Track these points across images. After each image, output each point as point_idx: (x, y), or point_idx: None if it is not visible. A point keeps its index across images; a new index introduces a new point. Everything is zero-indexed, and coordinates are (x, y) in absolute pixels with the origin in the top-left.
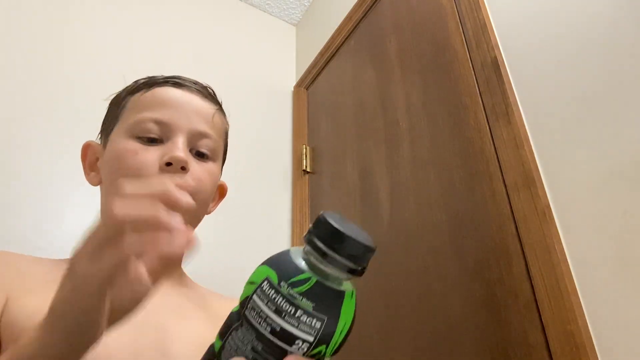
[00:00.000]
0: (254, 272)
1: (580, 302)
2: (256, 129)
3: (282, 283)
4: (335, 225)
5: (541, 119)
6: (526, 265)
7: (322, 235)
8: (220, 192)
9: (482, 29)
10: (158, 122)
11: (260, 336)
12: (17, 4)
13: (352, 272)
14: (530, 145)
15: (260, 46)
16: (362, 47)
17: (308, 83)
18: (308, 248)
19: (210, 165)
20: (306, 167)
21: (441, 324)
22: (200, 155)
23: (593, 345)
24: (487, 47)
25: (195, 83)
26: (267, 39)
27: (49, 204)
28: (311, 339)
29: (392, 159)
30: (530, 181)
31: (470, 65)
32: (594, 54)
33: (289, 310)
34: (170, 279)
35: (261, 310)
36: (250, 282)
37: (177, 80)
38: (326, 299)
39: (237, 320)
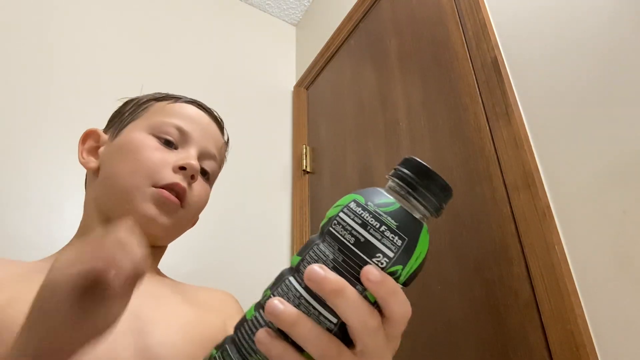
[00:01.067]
0: (338, 201)
1: (580, 302)
2: (256, 129)
3: (369, 203)
4: (425, 164)
5: (541, 119)
6: (526, 265)
7: (412, 171)
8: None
9: (482, 29)
10: (180, 129)
11: (343, 247)
12: (17, 3)
13: (435, 209)
14: (530, 145)
15: (260, 46)
16: (362, 47)
17: (308, 83)
18: (394, 182)
19: (207, 187)
20: (306, 167)
21: (441, 323)
22: (203, 174)
23: (593, 345)
24: (487, 47)
25: (214, 111)
26: (267, 39)
27: (49, 204)
28: (391, 254)
29: (392, 159)
30: (530, 181)
31: (470, 65)
32: (594, 54)
33: (374, 224)
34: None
35: (347, 224)
36: (336, 206)
37: (200, 103)
38: (408, 223)
39: (319, 238)
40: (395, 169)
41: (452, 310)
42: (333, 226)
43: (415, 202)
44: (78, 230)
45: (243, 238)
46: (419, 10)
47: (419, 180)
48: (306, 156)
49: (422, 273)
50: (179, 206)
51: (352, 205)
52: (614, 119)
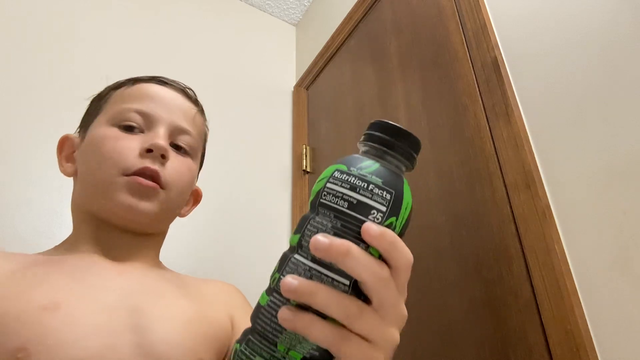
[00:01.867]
0: (321, 174)
1: (580, 302)
2: (256, 129)
3: (352, 168)
4: (392, 123)
5: (541, 119)
6: (526, 265)
7: (382, 132)
8: (195, 197)
9: (482, 29)
10: (141, 113)
11: (338, 214)
12: (18, 4)
13: (409, 161)
14: (530, 145)
15: (260, 46)
16: (362, 47)
17: (308, 83)
18: (367, 146)
19: (188, 161)
20: (306, 167)
21: (441, 323)
22: (178, 149)
23: (593, 345)
24: (487, 47)
25: (179, 83)
26: (267, 39)
27: (49, 204)
28: (384, 208)
29: None
30: (530, 181)
31: (470, 65)
32: (594, 54)
33: (362, 185)
34: (145, 262)
35: (337, 191)
36: (320, 180)
37: (161, 78)
38: (391, 179)
39: (311, 212)
40: (366, 134)
41: (452, 310)
42: (324, 197)
43: (391, 159)
44: (69, 235)
45: (243, 238)
46: (418, 10)
47: (391, 138)
48: (306, 156)
49: (422, 272)
50: (156, 188)
51: (337, 174)
52: (614, 119)
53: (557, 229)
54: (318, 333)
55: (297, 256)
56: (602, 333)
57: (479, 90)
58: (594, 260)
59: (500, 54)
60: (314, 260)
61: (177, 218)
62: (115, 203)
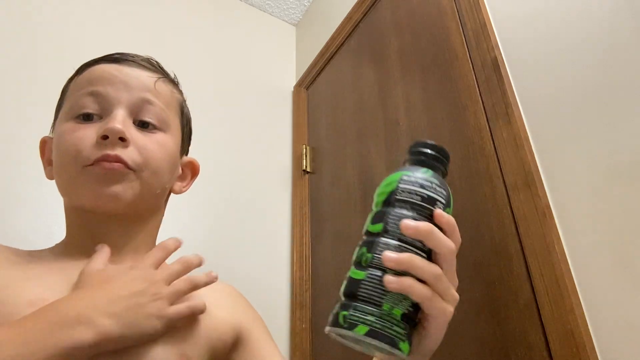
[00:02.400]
0: (386, 181)
1: (580, 302)
2: (256, 129)
3: (416, 173)
4: (433, 142)
5: (541, 119)
6: (526, 265)
7: (430, 148)
8: (192, 170)
9: (482, 29)
10: (93, 94)
11: (414, 205)
12: (18, 5)
13: (446, 169)
14: (530, 145)
15: (260, 46)
16: (362, 47)
17: (308, 83)
18: (417, 157)
19: (159, 136)
20: (306, 167)
21: None
22: (145, 126)
23: (593, 345)
24: (487, 47)
25: (135, 56)
26: (267, 39)
27: (48, 204)
28: (444, 201)
29: (392, 159)
30: (530, 181)
31: (470, 65)
32: (594, 54)
33: (428, 185)
34: (138, 253)
35: (410, 189)
36: (388, 184)
37: (114, 55)
38: (442, 180)
39: (387, 207)
40: (416, 151)
41: None
42: (399, 194)
43: (439, 166)
44: (66, 231)
45: (243, 238)
46: (419, 10)
47: (436, 153)
48: (306, 156)
49: None
50: (123, 167)
51: (405, 177)
52: (614, 119)
53: (557, 229)
54: (418, 291)
55: (384, 239)
56: (602, 333)
57: (479, 90)
58: (594, 260)
59: (500, 54)
60: (400, 239)
61: (181, 211)
62: (85, 195)
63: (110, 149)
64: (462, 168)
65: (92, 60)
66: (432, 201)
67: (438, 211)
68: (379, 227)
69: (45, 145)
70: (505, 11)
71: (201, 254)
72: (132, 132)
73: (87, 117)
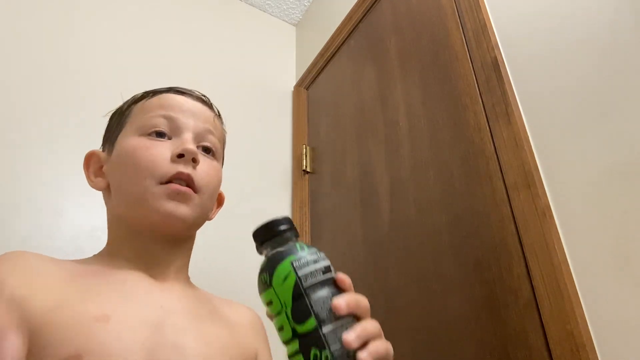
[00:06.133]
0: (276, 280)
1: (580, 302)
2: (256, 129)
3: (297, 254)
4: (274, 218)
5: (541, 119)
6: (526, 265)
7: (278, 225)
8: (219, 199)
9: (482, 29)
10: (167, 117)
11: (322, 283)
12: (19, 8)
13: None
14: (530, 145)
15: (260, 46)
16: (362, 47)
17: (308, 83)
18: (281, 239)
19: (215, 163)
20: (306, 167)
21: (441, 324)
22: (207, 151)
23: (593, 345)
24: (487, 47)
25: (195, 92)
26: (267, 39)
27: (49, 204)
28: (328, 263)
29: (392, 159)
30: (530, 181)
31: (470, 65)
32: (594, 54)
33: (315, 257)
34: (180, 276)
35: (310, 270)
36: (282, 280)
37: (178, 88)
38: (316, 247)
39: (301, 297)
40: (275, 231)
41: (452, 309)
42: (305, 281)
43: (295, 234)
44: (106, 247)
45: (243, 238)
46: (418, 10)
47: (286, 225)
48: (306, 156)
49: (422, 273)
50: (191, 193)
51: (295, 263)
52: (614, 119)
53: (557, 229)
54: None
55: (325, 329)
56: (602, 333)
57: (479, 90)
58: (594, 260)
59: (500, 54)
60: (338, 319)
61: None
62: (155, 211)
63: (183, 167)
64: (462, 168)
65: (159, 89)
66: (329, 268)
67: (340, 276)
68: (311, 322)
69: (92, 157)
70: (505, 11)
71: (201, 254)
72: (200, 156)
73: (159, 135)
